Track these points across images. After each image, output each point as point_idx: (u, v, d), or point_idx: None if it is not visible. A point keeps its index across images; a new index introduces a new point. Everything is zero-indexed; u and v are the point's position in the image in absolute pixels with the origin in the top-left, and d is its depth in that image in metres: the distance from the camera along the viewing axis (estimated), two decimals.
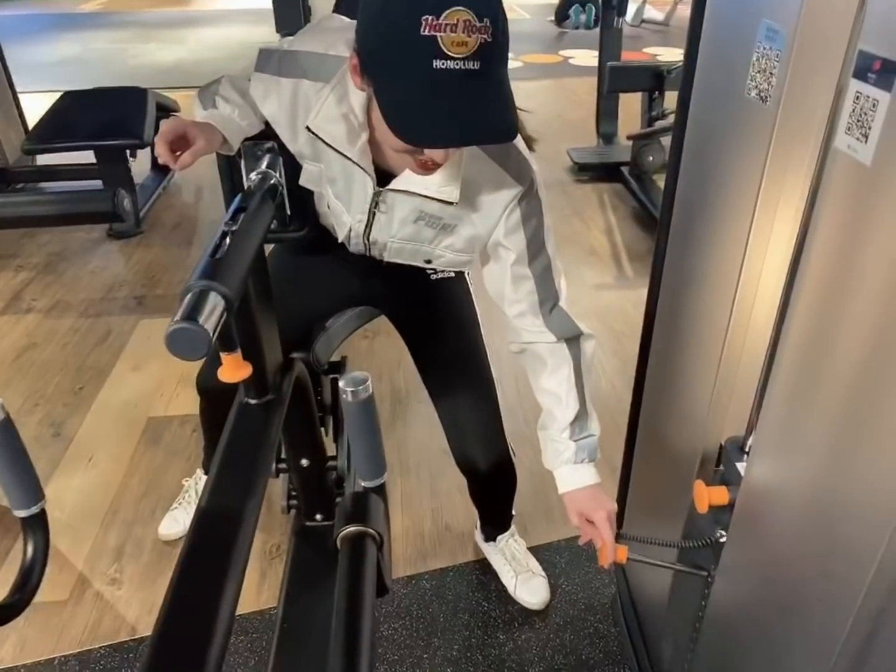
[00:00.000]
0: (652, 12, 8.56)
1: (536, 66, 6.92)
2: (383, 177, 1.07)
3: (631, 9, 7.73)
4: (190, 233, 3.43)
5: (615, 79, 3.80)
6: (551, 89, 6.06)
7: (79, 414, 2.22)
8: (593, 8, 7.95)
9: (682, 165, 1.03)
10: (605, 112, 4.26)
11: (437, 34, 0.76)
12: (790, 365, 0.75)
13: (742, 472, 0.91)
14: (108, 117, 3.31)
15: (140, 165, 3.46)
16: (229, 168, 1.23)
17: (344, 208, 1.18)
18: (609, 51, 4.12)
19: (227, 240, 0.82)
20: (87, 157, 3.31)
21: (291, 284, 1.37)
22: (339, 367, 1.60)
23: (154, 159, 3.55)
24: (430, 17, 0.76)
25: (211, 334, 0.67)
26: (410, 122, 0.85)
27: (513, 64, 6.91)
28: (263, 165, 1.13)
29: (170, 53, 7.56)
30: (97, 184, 3.33)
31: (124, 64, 7.10)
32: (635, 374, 1.31)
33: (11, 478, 0.73)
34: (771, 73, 0.72)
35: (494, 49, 0.80)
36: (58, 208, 2.86)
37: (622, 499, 1.45)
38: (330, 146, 1.03)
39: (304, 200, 1.24)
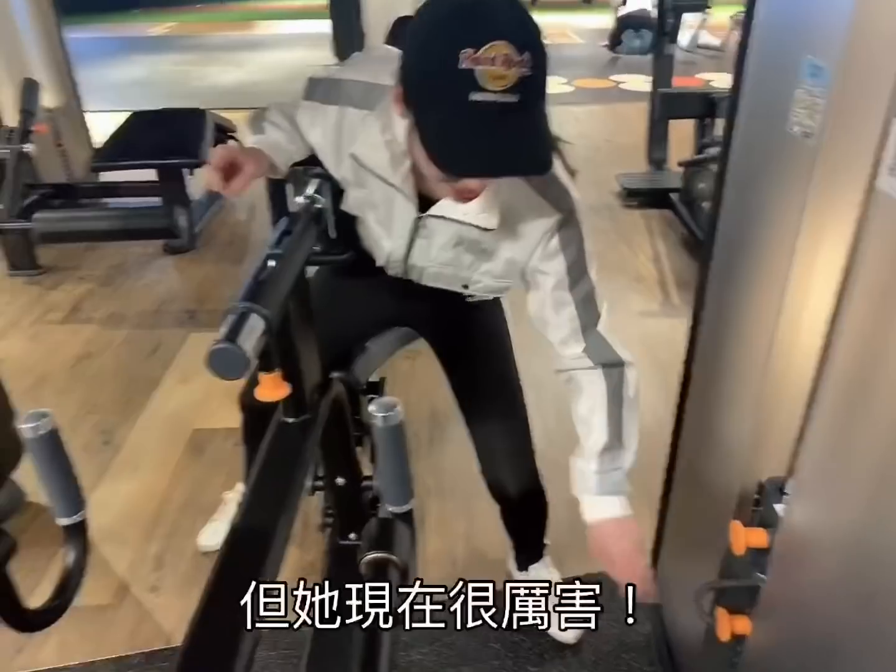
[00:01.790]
0: (708, 38, 8.49)
1: (588, 90, 6.95)
2: (424, 203, 1.09)
3: (686, 34, 7.70)
4: (242, 250, 3.53)
5: (666, 105, 3.79)
6: (602, 114, 6.05)
7: (128, 423, 2.29)
8: (648, 33, 7.92)
9: (724, 197, 1.02)
10: (656, 138, 4.22)
11: (476, 67, 0.78)
12: (832, 406, 0.73)
13: (781, 514, 0.88)
14: (169, 137, 3.44)
15: (196, 183, 3.58)
16: (277, 192, 1.27)
17: (384, 233, 1.20)
18: (661, 76, 4.11)
19: (271, 262, 0.85)
20: (146, 174, 3.44)
21: (332, 305, 1.40)
22: (377, 388, 1.62)
23: None
24: (469, 51, 0.77)
25: (250, 355, 0.69)
26: (447, 150, 0.86)
27: (564, 88, 6.95)
28: (310, 190, 1.16)
29: (230, 76, 7.85)
30: (155, 201, 3.45)
31: (188, 85, 7.41)
32: (676, 408, 1.29)
33: (56, 487, 0.76)
34: (814, 110, 0.71)
35: (533, 83, 0.81)
36: (120, 224, 2.99)
37: (659, 535, 1.42)
38: (373, 172, 1.05)
39: (348, 224, 1.27)
